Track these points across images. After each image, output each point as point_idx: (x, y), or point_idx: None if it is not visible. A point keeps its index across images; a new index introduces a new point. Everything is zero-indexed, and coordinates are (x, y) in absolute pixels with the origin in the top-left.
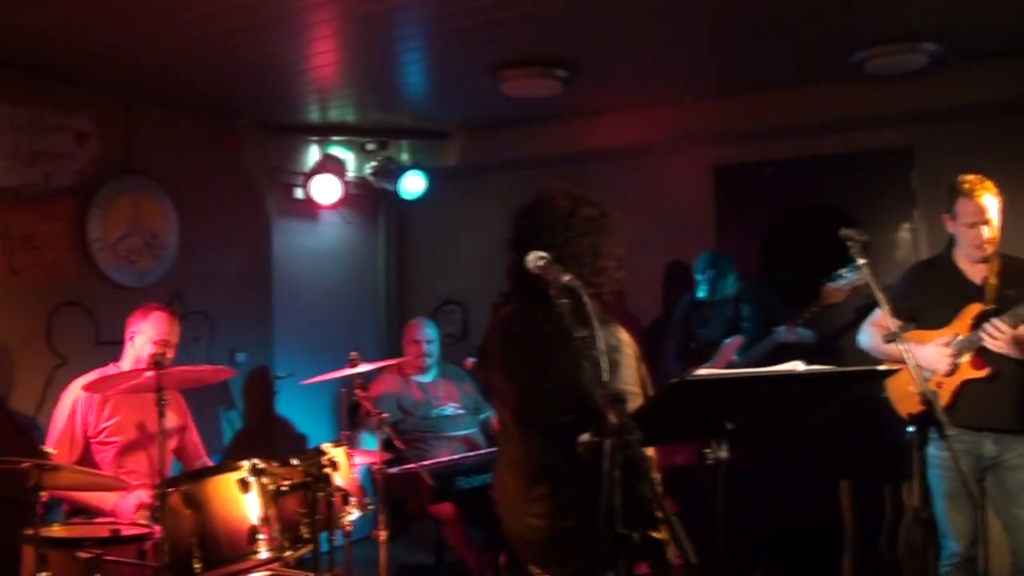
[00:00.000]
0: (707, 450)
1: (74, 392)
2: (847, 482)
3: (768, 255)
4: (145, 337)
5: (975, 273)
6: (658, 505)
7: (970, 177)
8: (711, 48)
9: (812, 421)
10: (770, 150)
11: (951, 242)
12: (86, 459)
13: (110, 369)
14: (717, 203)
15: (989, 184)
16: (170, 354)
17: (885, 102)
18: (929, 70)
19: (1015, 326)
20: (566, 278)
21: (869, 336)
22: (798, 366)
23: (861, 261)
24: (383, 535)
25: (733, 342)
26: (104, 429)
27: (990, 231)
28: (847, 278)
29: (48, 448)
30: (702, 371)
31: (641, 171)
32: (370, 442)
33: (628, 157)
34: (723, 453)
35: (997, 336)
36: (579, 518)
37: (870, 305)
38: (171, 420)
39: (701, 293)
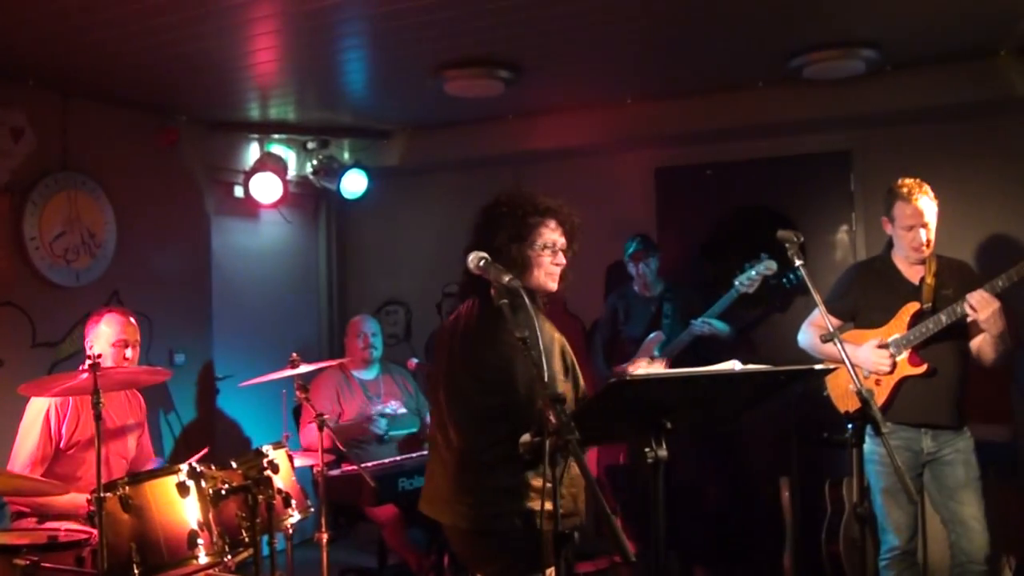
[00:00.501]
0: (647, 449)
1: (43, 402)
2: (787, 479)
3: (708, 256)
4: (103, 341)
5: (913, 274)
6: (597, 503)
7: (908, 181)
8: (653, 52)
9: (752, 419)
10: (711, 152)
11: (889, 244)
12: (53, 465)
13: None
14: (658, 204)
15: (926, 188)
16: (134, 353)
17: (824, 106)
18: (867, 75)
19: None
20: (506, 278)
21: (808, 336)
22: (735, 365)
23: (798, 262)
24: (325, 538)
25: (654, 338)
26: (76, 443)
27: (927, 234)
28: (756, 271)
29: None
30: (640, 371)
31: (583, 172)
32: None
33: (570, 158)
34: (663, 452)
35: (984, 305)
36: (506, 508)
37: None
38: (130, 419)
39: (631, 248)
